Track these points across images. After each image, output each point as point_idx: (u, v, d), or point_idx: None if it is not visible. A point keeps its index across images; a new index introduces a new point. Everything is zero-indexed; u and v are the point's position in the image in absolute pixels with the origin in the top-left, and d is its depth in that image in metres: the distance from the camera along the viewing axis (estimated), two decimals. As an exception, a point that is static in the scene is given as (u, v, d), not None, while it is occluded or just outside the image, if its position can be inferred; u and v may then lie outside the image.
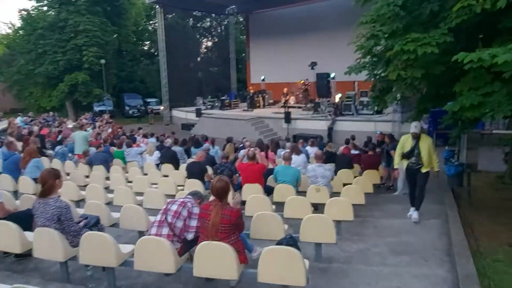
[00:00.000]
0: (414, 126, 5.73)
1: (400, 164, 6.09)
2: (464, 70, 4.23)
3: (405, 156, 5.83)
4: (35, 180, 6.06)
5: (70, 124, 17.69)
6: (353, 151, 9.16)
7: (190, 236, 3.59)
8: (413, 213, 5.97)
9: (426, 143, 5.70)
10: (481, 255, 4.43)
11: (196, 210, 3.65)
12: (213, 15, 34.51)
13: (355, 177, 7.50)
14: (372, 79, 7.09)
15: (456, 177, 7.96)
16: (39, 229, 3.61)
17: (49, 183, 3.67)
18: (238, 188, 6.84)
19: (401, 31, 5.25)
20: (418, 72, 5.03)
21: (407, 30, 5.21)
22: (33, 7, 30.35)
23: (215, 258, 3.21)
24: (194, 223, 3.63)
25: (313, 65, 19.13)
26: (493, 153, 10.34)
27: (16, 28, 32.70)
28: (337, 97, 18.64)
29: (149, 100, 33.54)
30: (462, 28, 4.83)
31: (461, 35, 5.08)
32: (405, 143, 5.87)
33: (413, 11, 5.42)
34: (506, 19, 4.40)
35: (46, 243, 3.59)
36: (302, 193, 6.44)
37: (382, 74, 6.69)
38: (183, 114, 24.73)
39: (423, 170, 5.76)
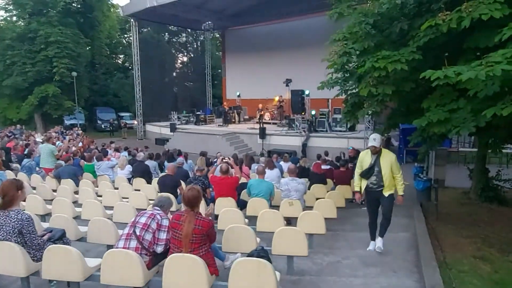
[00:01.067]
0: (372, 139, 4.87)
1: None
2: (432, 87, 4.43)
3: (363, 175, 4.99)
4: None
5: (38, 138, 17.10)
6: (324, 166, 9.28)
7: (159, 249, 3.50)
8: (377, 241, 5.14)
9: (387, 160, 4.87)
10: (447, 266, 4.55)
11: (165, 222, 3.56)
12: (189, 30, 34.64)
13: (327, 191, 7.58)
14: (344, 94, 7.27)
15: (424, 192, 8.21)
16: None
17: (10, 194, 3.50)
18: (211, 201, 6.77)
19: (372, 49, 5.44)
20: (389, 89, 5.21)
21: (378, 48, 5.41)
22: (1, 17, 29.58)
23: (185, 270, 3.13)
24: (163, 235, 3.54)
25: (288, 82, 19.47)
26: (459, 170, 10.77)
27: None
28: (311, 114, 18.98)
29: (122, 114, 33.01)
30: (430, 47, 5.06)
31: (429, 54, 5.33)
32: (364, 159, 5.04)
33: (384, 30, 5.65)
34: (470, 38, 4.65)
35: (6, 258, 3.39)
36: (276, 207, 6.44)
37: (354, 90, 6.87)
38: (157, 128, 24.43)
39: (386, 193, 4.89)
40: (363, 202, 8.57)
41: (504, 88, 3.86)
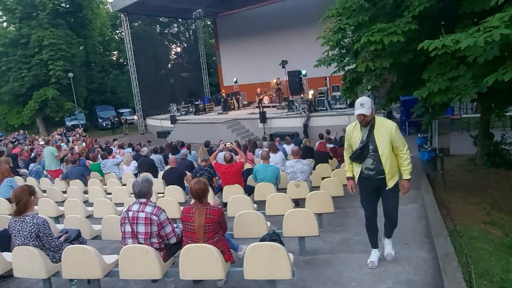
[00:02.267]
0: (359, 105, 3.49)
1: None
2: (430, 57, 4.38)
3: (355, 158, 3.66)
4: (9, 200, 5.86)
5: (42, 141, 17.18)
6: (329, 145, 9.30)
7: (172, 240, 3.54)
8: (385, 245, 3.97)
9: (385, 132, 3.52)
10: (457, 234, 4.58)
11: (163, 216, 3.45)
12: (180, 20, 34.25)
13: (333, 170, 7.62)
14: (342, 71, 7.22)
15: (430, 162, 8.21)
16: (18, 248, 3.49)
17: (23, 200, 3.56)
18: (219, 190, 6.84)
19: (367, 23, 5.37)
20: (386, 62, 5.17)
21: (373, 21, 5.35)
22: (-8, 24, 29.38)
23: (200, 260, 3.20)
24: (169, 228, 3.49)
25: (284, 63, 19.31)
26: (463, 137, 10.74)
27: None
28: (310, 94, 18.89)
29: (122, 110, 33.06)
30: (426, 16, 4.99)
31: (425, 23, 5.25)
32: (352, 136, 3.71)
33: (377, 2, 5.56)
34: (466, 3, 4.57)
35: (26, 262, 3.48)
36: (282, 190, 6.50)
37: (352, 66, 6.81)
38: (158, 122, 24.45)
39: (390, 183, 3.60)
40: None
41: (504, 52, 3.82)
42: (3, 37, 27.85)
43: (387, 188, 3.63)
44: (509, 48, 3.76)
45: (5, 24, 29.75)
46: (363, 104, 3.49)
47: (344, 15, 5.53)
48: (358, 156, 3.64)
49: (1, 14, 28.99)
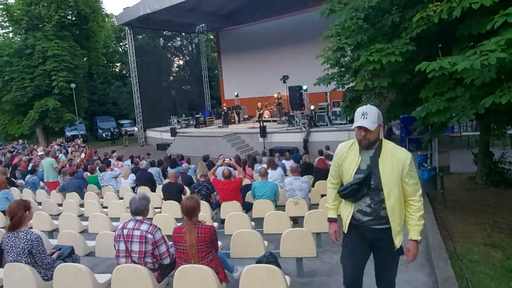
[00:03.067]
0: (360, 115, 2.48)
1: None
2: (428, 77, 4.40)
3: (347, 194, 2.59)
4: (4, 212, 5.82)
5: (41, 151, 17.18)
6: (328, 161, 9.27)
7: (166, 261, 3.49)
8: None
9: (396, 163, 2.49)
10: (458, 256, 4.53)
11: (158, 235, 3.40)
12: (183, 34, 34.66)
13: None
14: (341, 89, 7.25)
15: (430, 181, 8.18)
16: (10, 264, 3.45)
17: (18, 215, 3.52)
18: (216, 206, 6.79)
19: (365, 43, 5.42)
20: (384, 81, 5.19)
21: (371, 41, 5.40)
22: (-2, 35, 29.69)
23: (195, 281, 3.14)
24: (163, 248, 3.43)
25: (285, 78, 19.42)
26: (464, 154, 10.71)
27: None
28: (310, 109, 18.95)
29: (122, 121, 33.17)
30: (423, 37, 5.04)
31: (423, 44, 5.30)
32: (345, 159, 2.64)
33: (376, 23, 5.62)
34: (463, 26, 4.62)
35: (18, 279, 3.42)
36: (281, 207, 6.45)
37: (351, 84, 6.86)
38: (158, 134, 24.47)
39: (397, 241, 2.57)
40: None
41: (500, 75, 3.83)
42: (8, 47, 28.11)
43: (386, 245, 2.56)
44: (505, 71, 3.78)
45: (11, 34, 30.11)
46: (366, 113, 2.44)
47: (343, 35, 5.58)
48: (352, 193, 2.53)
49: (8, 24, 29.31)
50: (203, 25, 27.05)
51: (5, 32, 29.76)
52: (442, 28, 4.80)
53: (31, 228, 4.65)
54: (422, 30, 4.59)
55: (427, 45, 5.17)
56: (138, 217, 3.44)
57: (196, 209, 3.36)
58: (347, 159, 2.64)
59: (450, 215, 6.44)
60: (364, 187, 2.52)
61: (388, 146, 2.55)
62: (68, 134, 29.54)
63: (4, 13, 28.29)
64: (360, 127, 2.47)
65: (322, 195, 6.78)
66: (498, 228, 5.55)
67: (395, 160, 2.49)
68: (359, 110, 2.50)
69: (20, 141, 25.32)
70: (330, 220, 2.93)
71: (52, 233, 5.98)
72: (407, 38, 4.80)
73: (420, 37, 4.90)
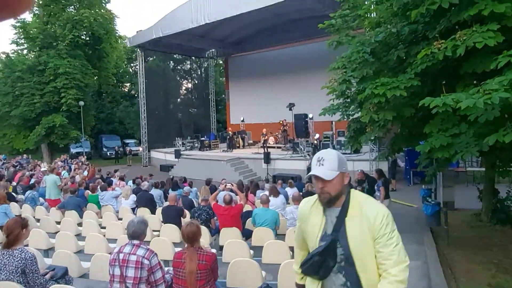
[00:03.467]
0: (316, 161, 1.92)
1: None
2: (432, 112, 4.41)
3: (308, 269, 2.00)
4: (1, 228, 5.78)
5: (44, 167, 17.23)
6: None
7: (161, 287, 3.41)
8: None
9: (365, 223, 1.82)
10: (460, 297, 4.40)
11: (154, 260, 3.32)
12: (193, 58, 35.36)
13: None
14: (346, 119, 7.29)
15: (434, 216, 8.06)
16: (1, 283, 3.38)
17: (14, 233, 3.48)
18: (216, 232, 6.70)
19: (371, 76, 5.48)
20: (389, 114, 5.21)
21: (376, 74, 5.47)
22: (13, 51, 30.36)
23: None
24: (159, 274, 3.35)
25: (291, 106, 19.57)
26: (469, 190, 10.59)
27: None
28: (315, 137, 18.98)
29: (128, 141, 33.35)
30: (428, 73, 5.09)
31: (428, 79, 5.35)
32: (307, 221, 2.04)
33: (381, 57, 5.71)
34: (467, 64, 4.67)
35: (8, 299, 3.35)
36: (281, 236, 6.35)
37: (356, 115, 6.89)
38: (162, 155, 24.53)
39: None
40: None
41: (504, 113, 3.84)
42: (21, 64, 28.71)
43: None
44: (509, 110, 3.78)
45: (25, 51, 30.80)
46: (322, 159, 1.90)
47: (349, 68, 5.67)
48: (314, 267, 1.94)
49: (23, 42, 30.07)
50: (212, 50, 27.61)
51: (19, 49, 30.46)
52: (447, 64, 4.86)
53: (27, 245, 4.61)
54: (427, 66, 4.65)
55: (432, 80, 5.22)
56: (135, 241, 3.38)
57: (197, 234, 3.31)
58: (310, 221, 2.01)
59: (454, 252, 6.30)
60: (330, 259, 1.88)
61: (358, 200, 1.91)
62: (73, 151, 29.68)
63: (20, 30, 29.08)
64: (316, 177, 1.90)
65: (323, 226, 6.67)
66: (503, 268, 5.42)
67: (364, 217, 1.84)
68: (315, 156, 1.96)
69: (25, 156, 25.45)
70: (297, 286, 2.30)
71: (48, 251, 5.91)
72: (412, 73, 4.86)
73: (425, 72, 4.95)
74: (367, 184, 8.90)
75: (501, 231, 7.55)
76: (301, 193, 7.93)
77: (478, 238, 7.23)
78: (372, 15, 6.88)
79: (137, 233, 3.40)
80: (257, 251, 5.42)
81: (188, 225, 3.33)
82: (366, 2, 6.94)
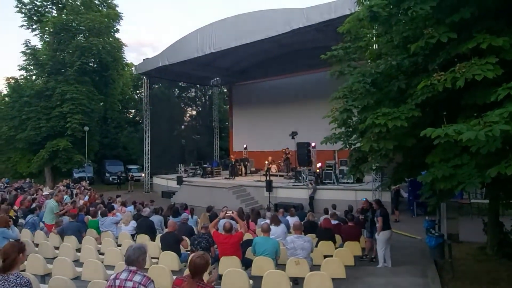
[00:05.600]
0: None
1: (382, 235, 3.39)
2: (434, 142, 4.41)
3: None
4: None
5: (46, 191, 17.18)
6: (333, 221, 9.07)
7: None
8: None
9: None
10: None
11: (151, 287, 3.28)
12: (198, 85, 35.90)
13: (336, 248, 7.35)
14: (347, 148, 7.31)
15: (437, 248, 7.88)
16: (-6, 309, 3.32)
17: (11, 257, 3.43)
18: (215, 260, 6.59)
19: (372, 106, 5.54)
20: (390, 144, 5.22)
21: (378, 104, 5.52)
22: (22, 76, 30.94)
23: None
24: None
25: (293, 134, 19.68)
26: (473, 222, 10.40)
27: (2, 95, 32.99)
28: (318, 166, 18.95)
29: (130, 167, 33.36)
30: (429, 104, 5.14)
31: (429, 110, 5.39)
32: None
33: (382, 87, 5.78)
34: (467, 96, 4.72)
35: (-1, 326, 3.27)
36: (282, 266, 6.23)
37: (358, 145, 6.91)
38: (164, 181, 24.49)
39: None
40: (373, 260, 8.23)
41: (505, 146, 3.84)
42: (30, 89, 29.19)
43: None
44: (511, 142, 3.78)
45: (34, 77, 31.40)
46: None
47: (350, 97, 5.74)
48: None
49: (32, 68, 30.72)
50: (217, 78, 28.11)
51: (28, 75, 31.04)
52: (448, 95, 4.90)
53: (23, 270, 4.54)
54: (427, 97, 4.69)
55: (433, 111, 5.26)
56: (132, 267, 3.33)
57: (204, 268, 3.27)
58: None
59: (459, 286, 6.13)
60: None
61: None
62: (76, 175, 29.68)
63: (30, 57, 29.79)
64: None
65: (325, 256, 6.56)
66: (510, 305, 5.26)
67: None
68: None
69: (27, 179, 25.46)
70: None
71: (45, 277, 5.81)
72: (413, 103, 4.91)
73: (426, 103, 4.99)
74: (371, 214, 8.80)
75: (507, 265, 7.37)
76: (302, 222, 7.85)
77: (484, 272, 7.06)
78: (374, 47, 7.05)
79: (131, 258, 3.35)
80: (257, 281, 5.31)
81: (198, 257, 3.29)
82: (368, 35, 7.13)
